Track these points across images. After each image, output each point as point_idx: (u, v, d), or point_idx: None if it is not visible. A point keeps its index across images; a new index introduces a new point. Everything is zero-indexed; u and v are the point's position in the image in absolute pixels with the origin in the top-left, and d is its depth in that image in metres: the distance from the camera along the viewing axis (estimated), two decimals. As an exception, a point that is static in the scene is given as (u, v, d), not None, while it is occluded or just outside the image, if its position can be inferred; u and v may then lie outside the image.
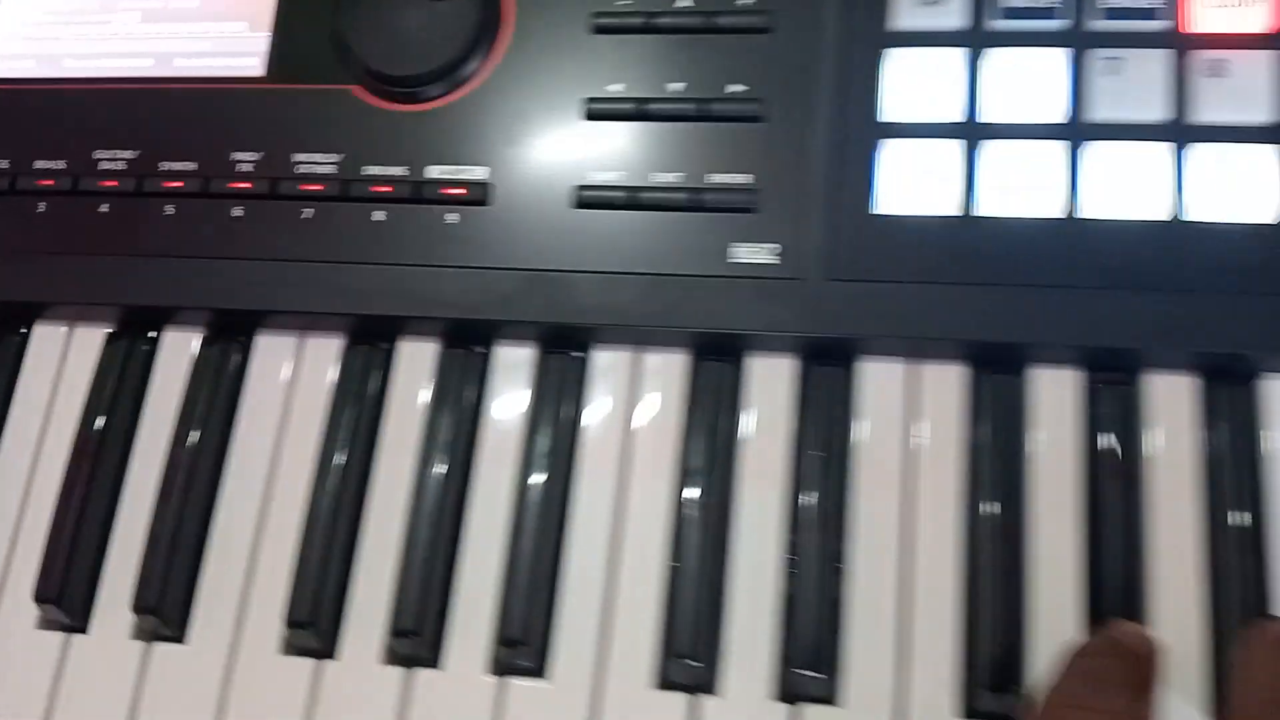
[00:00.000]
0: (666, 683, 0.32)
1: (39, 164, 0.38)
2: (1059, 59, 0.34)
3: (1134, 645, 0.28)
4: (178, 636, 0.34)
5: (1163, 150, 0.33)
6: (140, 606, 0.34)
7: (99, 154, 0.38)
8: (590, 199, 0.35)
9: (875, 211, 0.34)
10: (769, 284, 0.34)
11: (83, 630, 0.35)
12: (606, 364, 0.35)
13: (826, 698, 0.31)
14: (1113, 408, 0.33)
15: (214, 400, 0.36)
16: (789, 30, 0.35)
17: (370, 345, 0.37)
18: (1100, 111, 0.33)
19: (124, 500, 0.36)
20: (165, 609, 0.34)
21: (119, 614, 0.34)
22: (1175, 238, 0.32)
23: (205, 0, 0.39)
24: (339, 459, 0.35)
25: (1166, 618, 0.30)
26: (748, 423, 0.34)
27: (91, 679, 0.34)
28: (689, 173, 0.35)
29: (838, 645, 0.31)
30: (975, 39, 0.34)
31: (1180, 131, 0.33)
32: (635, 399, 0.35)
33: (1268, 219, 0.32)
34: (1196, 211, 0.32)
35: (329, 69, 0.38)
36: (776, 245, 0.34)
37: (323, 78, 0.38)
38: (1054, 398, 0.33)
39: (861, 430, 0.34)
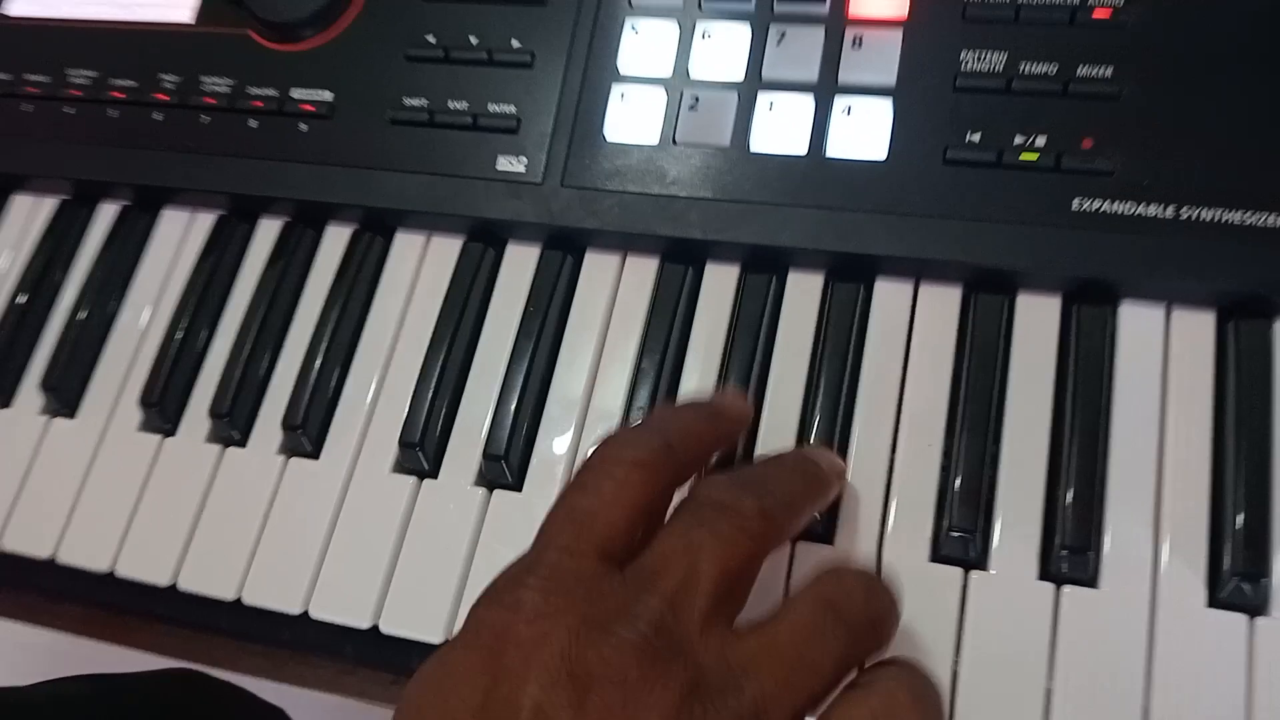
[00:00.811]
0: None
1: (29, 76, 0.52)
2: (746, 31, 0.45)
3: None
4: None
5: (810, 100, 0.43)
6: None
7: (70, 71, 0.52)
8: (401, 118, 0.47)
9: (606, 138, 0.45)
10: (520, 186, 0.45)
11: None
12: (403, 242, 0.47)
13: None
14: (758, 294, 0.43)
15: (119, 260, 0.50)
16: (559, 4, 0.47)
17: (237, 221, 0.49)
18: (771, 71, 0.44)
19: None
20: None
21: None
22: (817, 167, 0.42)
23: (161, -34, 0.53)
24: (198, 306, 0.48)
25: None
26: (497, 295, 0.46)
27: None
28: (474, 102, 0.46)
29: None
30: (688, 14, 0.45)
31: (826, 86, 0.43)
32: (420, 272, 0.47)
33: (879, 157, 0.42)
34: (835, 148, 0.42)
35: (236, 19, 0.51)
36: (525, 158, 0.45)
37: (231, 26, 0.51)
38: (719, 286, 0.43)
39: (577, 306, 0.44)
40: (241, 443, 0.45)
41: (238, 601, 0.42)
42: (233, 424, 0.45)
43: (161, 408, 0.45)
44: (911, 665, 0.30)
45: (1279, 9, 0.39)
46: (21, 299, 0.49)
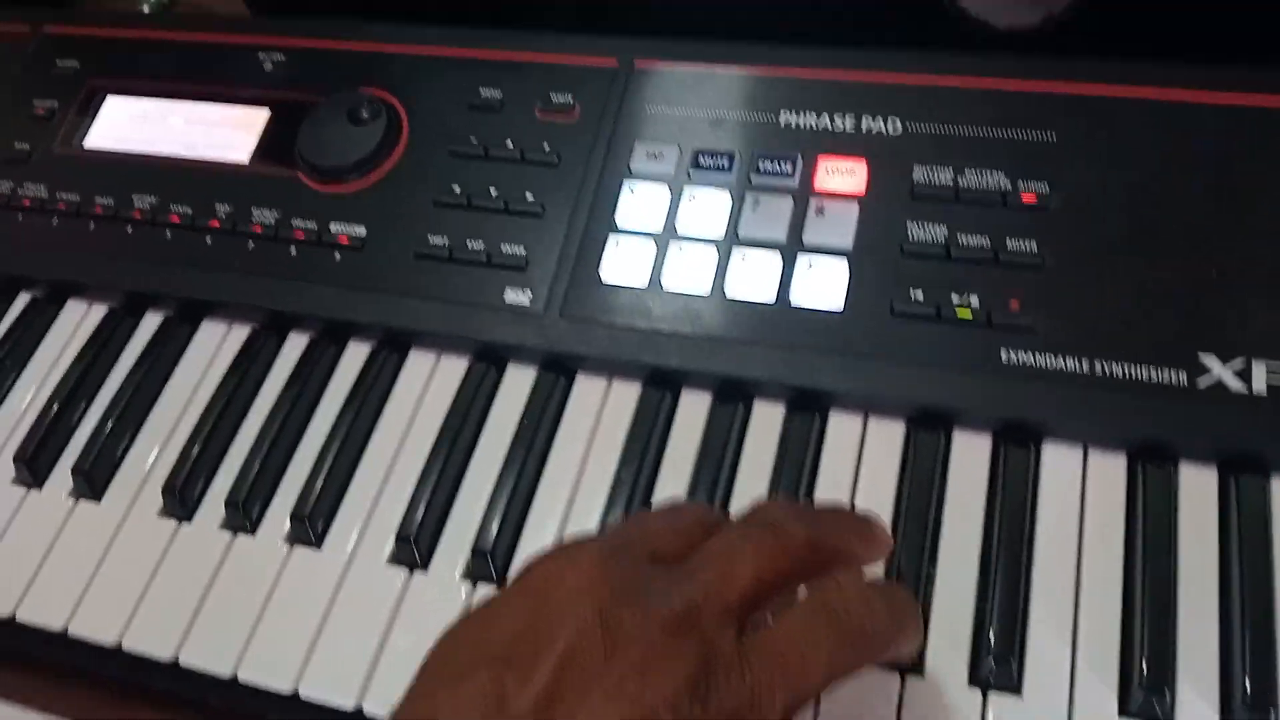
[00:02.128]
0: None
1: (96, 199, 0.59)
2: (726, 197, 0.52)
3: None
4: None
5: (778, 257, 0.50)
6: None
7: (135, 197, 0.59)
8: (424, 253, 0.53)
9: (601, 279, 0.51)
10: (524, 315, 0.51)
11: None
12: (417, 359, 0.53)
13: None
14: (725, 421, 0.48)
15: (158, 360, 0.55)
16: (568, 164, 0.54)
17: (267, 334, 0.55)
18: (746, 231, 0.51)
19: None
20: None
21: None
22: (782, 313, 0.49)
23: (224, 117, 0.61)
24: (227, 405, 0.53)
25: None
26: (496, 410, 0.51)
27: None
28: (489, 243, 0.53)
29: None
30: (678, 180, 0.53)
31: (792, 246, 0.50)
32: (429, 386, 0.52)
33: (836, 307, 0.48)
34: (798, 298, 0.49)
35: (288, 162, 0.58)
36: (530, 292, 0.51)
37: (283, 167, 0.58)
38: (692, 412, 0.49)
39: (566, 423, 0.50)
40: (251, 530, 0.49)
41: (233, 679, 0.46)
42: (245, 514, 0.49)
43: (182, 496, 0.50)
44: (856, 583, 0.34)
45: (1171, 200, 0.46)
46: (64, 393, 0.54)
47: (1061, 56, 0.51)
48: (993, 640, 0.40)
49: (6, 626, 0.49)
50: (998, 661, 0.40)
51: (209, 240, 0.57)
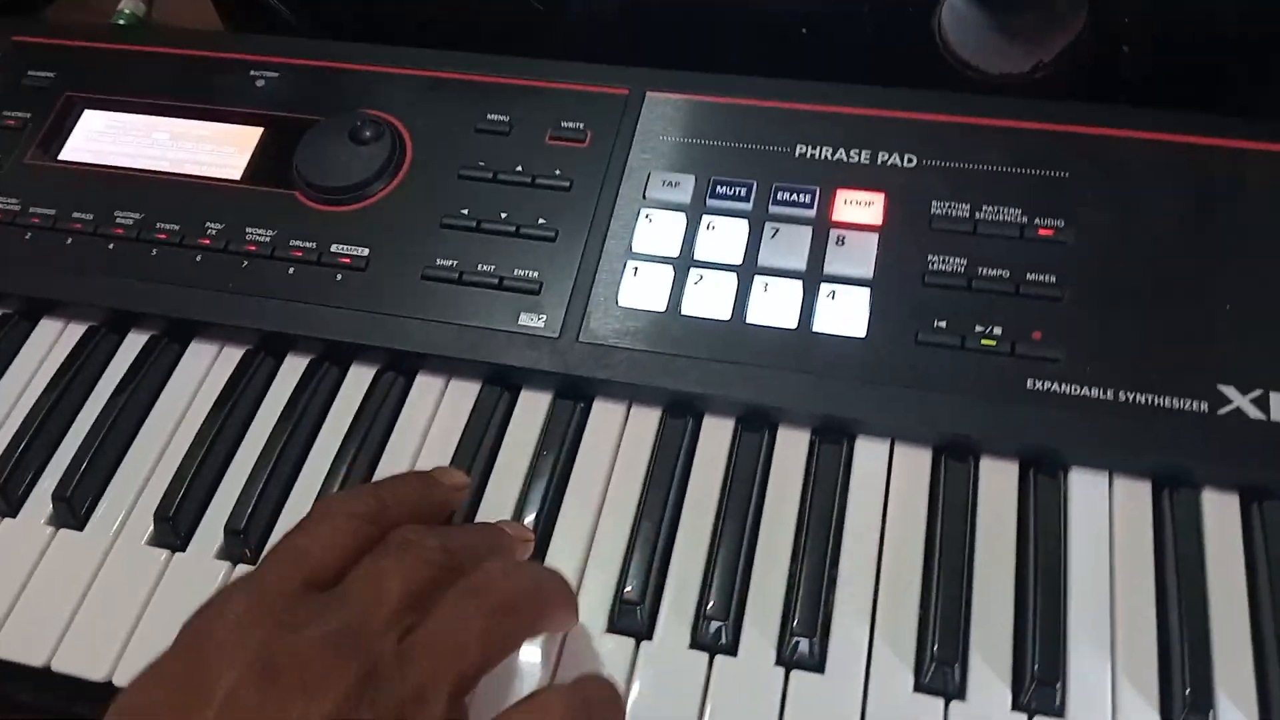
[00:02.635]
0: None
1: (74, 214, 0.56)
2: (744, 225, 0.52)
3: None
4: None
5: (799, 285, 0.50)
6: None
7: (117, 213, 0.56)
8: (432, 275, 0.52)
9: (619, 303, 0.51)
10: (539, 340, 0.50)
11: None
12: (424, 384, 0.51)
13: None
14: (752, 447, 0.47)
15: (144, 380, 0.52)
16: (581, 190, 0.54)
17: (264, 354, 0.53)
18: (766, 259, 0.51)
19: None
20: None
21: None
22: (803, 340, 0.48)
23: (213, 133, 0.59)
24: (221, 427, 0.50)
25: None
26: (510, 435, 0.49)
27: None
28: (500, 266, 0.52)
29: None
30: (695, 209, 0.53)
31: (813, 274, 0.50)
32: (438, 412, 0.50)
33: (860, 334, 0.48)
34: (820, 324, 0.49)
35: (284, 180, 0.56)
36: (545, 316, 0.50)
37: (278, 185, 0.56)
38: (714, 438, 0.48)
39: (587, 447, 0.49)
40: (252, 560, 0.46)
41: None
42: (245, 542, 0.46)
43: (174, 523, 0.47)
44: (587, 679, 0.35)
45: (1184, 237, 0.48)
46: (40, 414, 0.51)
47: (1063, 100, 0.53)
48: (1037, 666, 0.40)
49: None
50: (1040, 686, 0.40)
51: (199, 258, 0.54)
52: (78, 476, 0.48)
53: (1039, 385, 0.46)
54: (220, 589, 0.35)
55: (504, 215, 0.53)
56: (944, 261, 0.49)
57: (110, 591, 0.46)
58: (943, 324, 0.48)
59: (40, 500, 0.49)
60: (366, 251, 0.53)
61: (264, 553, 0.37)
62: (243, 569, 0.46)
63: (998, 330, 0.47)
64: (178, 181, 0.57)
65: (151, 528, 0.47)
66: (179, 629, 0.33)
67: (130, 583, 0.46)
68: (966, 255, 0.49)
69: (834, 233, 0.51)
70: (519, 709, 0.33)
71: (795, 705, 0.40)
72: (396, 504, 0.39)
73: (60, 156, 0.59)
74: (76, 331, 0.55)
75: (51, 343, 0.54)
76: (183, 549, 0.47)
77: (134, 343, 0.54)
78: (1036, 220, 0.49)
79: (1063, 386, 0.45)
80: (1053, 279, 0.48)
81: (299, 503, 0.48)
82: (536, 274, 0.52)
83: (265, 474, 0.48)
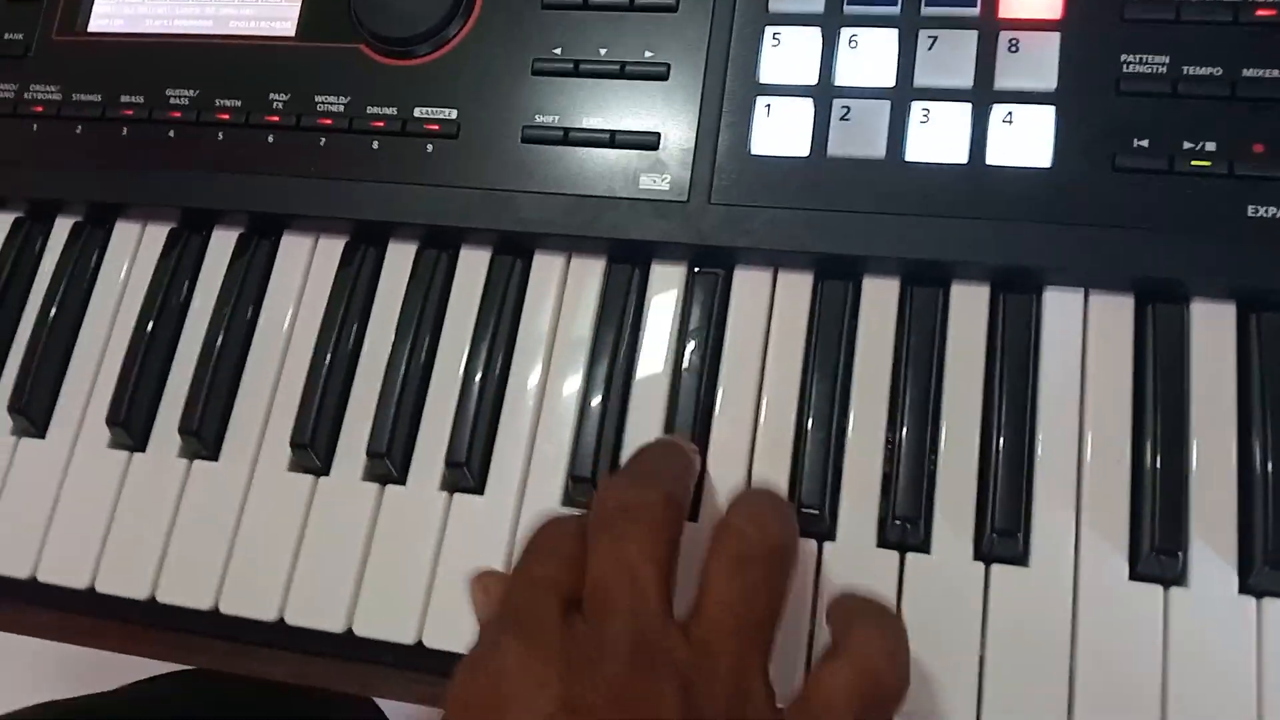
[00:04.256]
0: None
1: (123, 98, 0.50)
2: (893, 37, 0.43)
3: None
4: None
5: (967, 109, 0.42)
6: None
7: (169, 91, 0.50)
8: (534, 136, 0.45)
9: (751, 152, 0.44)
10: (666, 206, 0.44)
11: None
12: (543, 264, 0.46)
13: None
14: (926, 309, 0.42)
15: (244, 284, 0.48)
16: (690, 11, 0.45)
17: (365, 245, 0.48)
18: (923, 78, 0.43)
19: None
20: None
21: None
22: (976, 177, 0.42)
23: (253, -24, 0.50)
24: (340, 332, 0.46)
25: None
26: (649, 317, 0.45)
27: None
28: (609, 118, 0.45)
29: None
30: (831, 20, 0.44)
31: (983, 93, 0.42)
32: (563, 294, 0.46)
33: (1044, 163, 0.41)
34: (995, 156, 0.42)
35: (344, 32, 0.49)
36: (669, 176, 0.44)
37: (339, 39, 0.49)
38: (880, 300, 0.43)
39: (733, 322, 0.44)
40: (401, 481, 0.44)
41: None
42: (392, 458, 0.44)
43: (313, 446, 0.44)
44: (878, 617, 0.33)
45: None
46: (147, 328, 0.48)
47: None
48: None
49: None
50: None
51: (270, 139, 0.48)
52: (200, 405, 0.46)
53: (1263, 212, 0.39)
54: (472, 649, 0.31)
55: (603, 51, 0.46)
56: (1141, 62, 0.41)
57: (258, 521, 0.44)
58: (1144, 143, 0.40)
59: (167, 433, 0.47)
60: (455, 114, 0.46)
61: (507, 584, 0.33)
62: (393, 489, 0.44)
63: (1211, 146, 0.40)
64: (226, 45, 0.50)
65: (290, 454, 0.45)
66: (448, 698, 0.30)
67: (282, 510, 0.44)
68: (1168, 52, 0.41)
69: (1004, 36, 0.42)
70: (833, 666, 0.30)
71: (998, 600, 0.38)
72: (682, 492, 0.35)
73: (89, 29, 0.52)
74: (157, 235, 0.50)
75: (133, 250, 0.50)
76: (325, 473, 0.45)
77: (222, 244, 0.49)
78: (1257, -2, 0.40)
79: (1294, 211, 0.39)
80: (1276, 74, 0.40)
81: (436, 416, 0.44)
82: (652, 124, 0.45)
83: (398, 382, 0.45)
